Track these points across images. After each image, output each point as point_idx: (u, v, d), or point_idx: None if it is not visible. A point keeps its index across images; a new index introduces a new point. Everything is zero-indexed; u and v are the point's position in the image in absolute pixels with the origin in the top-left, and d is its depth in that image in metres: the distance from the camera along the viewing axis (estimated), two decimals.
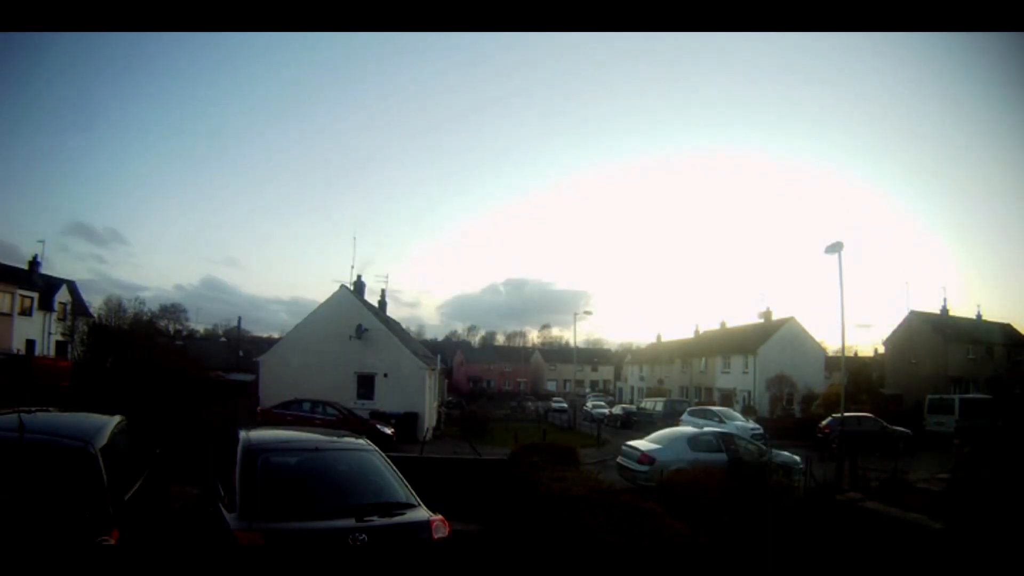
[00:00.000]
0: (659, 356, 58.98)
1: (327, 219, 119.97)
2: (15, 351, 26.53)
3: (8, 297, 28.38)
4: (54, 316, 31.69)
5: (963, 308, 56.94)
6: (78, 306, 33.87)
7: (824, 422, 23.08)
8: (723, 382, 45.75)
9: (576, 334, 48.70)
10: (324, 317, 24.82)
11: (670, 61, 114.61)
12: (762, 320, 46.91)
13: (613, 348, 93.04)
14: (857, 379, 42.33)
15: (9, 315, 28.29)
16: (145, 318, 31.03)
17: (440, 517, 4.47)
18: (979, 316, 42.58)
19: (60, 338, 31.14)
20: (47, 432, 4.25)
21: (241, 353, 41.42)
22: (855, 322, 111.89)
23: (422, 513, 4.50)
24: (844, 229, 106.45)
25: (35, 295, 30.45)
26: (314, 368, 22.98)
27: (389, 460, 5.17)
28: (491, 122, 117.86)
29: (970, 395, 27.64)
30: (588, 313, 67.72)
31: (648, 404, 35.64)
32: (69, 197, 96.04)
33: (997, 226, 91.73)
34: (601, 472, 10.27)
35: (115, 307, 28.51)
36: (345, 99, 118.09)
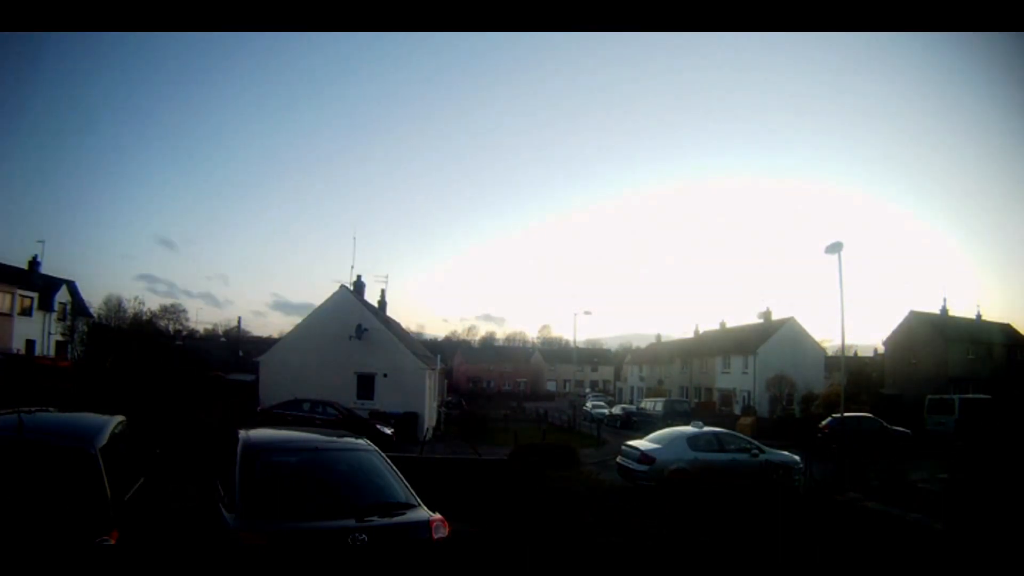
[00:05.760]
0: (659, 356, 58.98)
1: (327, 220, 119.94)
2: (15, 351, 26.49)
3: (8, 297, 28.32)
4: (54, 316, 31.63)
5: (963, 308, 57.11)
6: (78, 306, 33.82)
7: (824, 422, 23.05)
8: (723, 382, 45.74)
9: (576, 334, 48.76)
10: (324, 317, 24.81)
11: (672, 66, 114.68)
12: (762, 320, 46.92)
13: (613, 348, 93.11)
14: (857, 379, 42.35)
15: (9, 315, 28.24)
16: (145, 318, 31.03)
17: (440, 517, 4.47)
18: (979, 316, 42.65)
19: (60, 338, 31.09)
20: (47, 432, 4.25)
21: (241, 353, 41.45)
22: (856, 330, 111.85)
23: (422, 513, 4.49)
24: (844, 230, 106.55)
25: (35, 295, 30.37)
26: (314, 368, 22.95)
27: (389, 460, 5.16)
28: (495, 122, 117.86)
29: (970, 395, 27.60)
30: (588, 313, 67.76)
31: (648, 404, 35.66)
32: (64, 197, 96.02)
33: (997, 226, 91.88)
34: (601, 472, 10.29)
35: (115, 307, 28.50)
36: (344, 100, 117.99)
